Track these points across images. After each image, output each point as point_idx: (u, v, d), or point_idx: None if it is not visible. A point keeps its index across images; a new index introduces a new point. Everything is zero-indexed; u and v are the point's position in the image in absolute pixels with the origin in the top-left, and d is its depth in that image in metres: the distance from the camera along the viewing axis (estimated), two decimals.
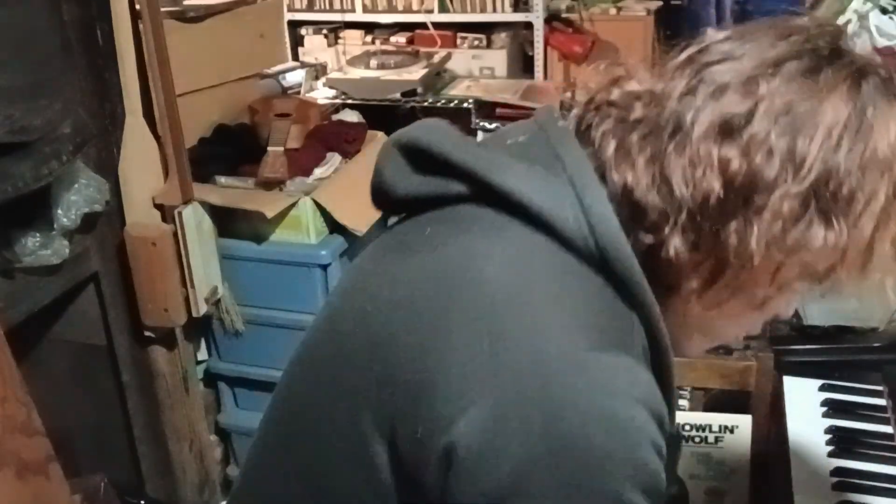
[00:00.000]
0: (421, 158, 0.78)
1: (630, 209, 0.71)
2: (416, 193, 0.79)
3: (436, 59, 3.14)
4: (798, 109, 0.69)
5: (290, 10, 3.42)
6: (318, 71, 3.12)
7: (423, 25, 3.33)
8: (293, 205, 2.14)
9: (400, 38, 3.40)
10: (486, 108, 2.92)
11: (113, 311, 1.94)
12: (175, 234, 1.91)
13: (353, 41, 3.41)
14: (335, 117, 2.69)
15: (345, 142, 2.38)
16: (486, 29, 3.33)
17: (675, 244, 0.70)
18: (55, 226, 1.67)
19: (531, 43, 3.24)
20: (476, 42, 3.33)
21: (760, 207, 0.68)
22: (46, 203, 1.66)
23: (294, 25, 3.46)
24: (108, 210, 1.83)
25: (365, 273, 0.81)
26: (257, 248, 2.19)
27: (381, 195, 0.82)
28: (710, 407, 1.50)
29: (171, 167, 1.92)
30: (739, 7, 3.62)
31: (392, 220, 0.85)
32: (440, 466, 0.63)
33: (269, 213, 2.09)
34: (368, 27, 3.44)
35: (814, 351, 1.40)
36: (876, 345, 1.39)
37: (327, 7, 3.42)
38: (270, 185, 2.17)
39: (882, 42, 2.08)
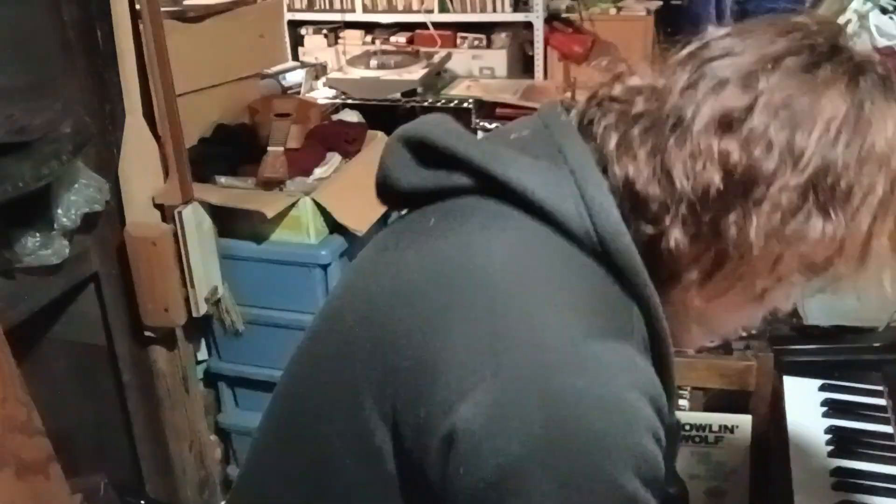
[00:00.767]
0: (426, 153, 0.79)
1: (631, 201, 0.72)
2: (422, 186, 0.80)
3: (436, 59, 3.14)
4: (797, 104, 0.70)
5: (290, 10, 3.42)
6: (318, 71, 3.12)
7: (423, 25, 3.33)
8: (293, 205, 2.14)
9: (400, 38, 3.40)
10: (486, 108, 2.93)
11: (113, 311, 1.94)
12: (175, 234, 1.91)
13: (353, 41, 3.41)
14: (335, 117, 2.69)
15: (345, 142, 2.38)
16: (486, 29, 3.32)
17: (676, 235, 0.72)
18: (55, 226, 1.67)
19: (531, 43, 3.24)
20: (476, 42, 3.33)
21: (759, 199, 0.69)
22: (46, 203, 1.66)
23: (294, 25, 3.46)
24: (108, 210, 1.83)
25: (365, 269, 0.82)
26: (257, 248, 2.19)
27: (387, 189, 0.83)
28: (710, 407, 1.49)
29: (171, 167, 1.92)
30: (739, 6, 3.62)
31: (394, 216, 0.86)
32: (441, 451, 0.64)
33: (269, 213, 2.09)
34: (368, 27, 3.44)
35: (814, 351, 1.41)
36: (876, 345, 1.39)
37: (327, 7, 3.42)
38: (270, 185, 2.17)
39: (882, 42, 2.08)
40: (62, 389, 1.95)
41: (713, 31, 0.76)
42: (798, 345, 1.42)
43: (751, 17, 0.84)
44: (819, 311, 1.42)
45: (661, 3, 3.45)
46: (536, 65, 3.23)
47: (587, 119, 0.78)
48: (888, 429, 1.26)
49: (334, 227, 2.21)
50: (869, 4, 2.12)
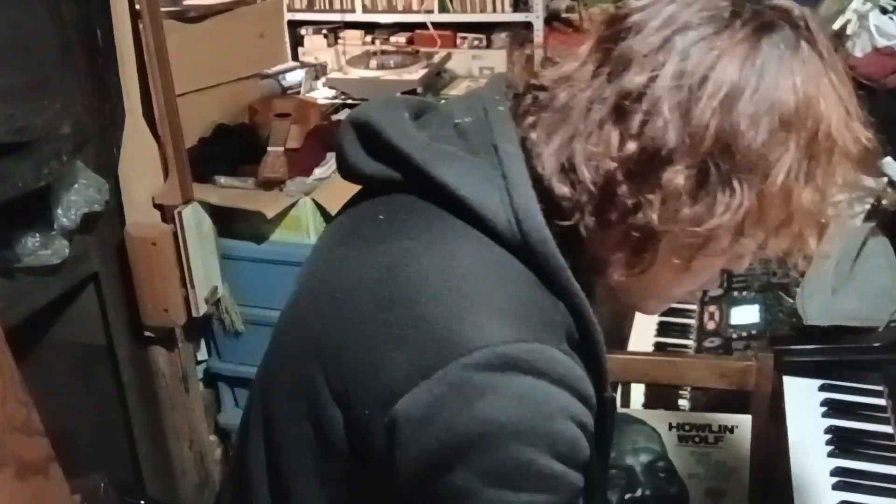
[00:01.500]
0: (372, 140, 0.82)
1: (546, 198, 0.75)
2: (370, 175, 0.83)
3: (436, 59, 3.14)
4: (691, 77, 0.70)
5: (290, 10, 3.41)
6: (317, 71, 3.12)
7: (423, 25, 3.33)
8: (293, 205, 2.14)
9: (400, 38, 3.40)
10: None
11: (113, 311, 1.94)
12: (175, 234, 1.91)
13: (353, 41, 3.41)
14: (335, 117, 2.69)
15: None
16: (486, 29, 3.32)
17: (588, 225, 0.74)
18: (55, 226, 1.67)
19: (531, 43, 3.24)
20: (476, 42, 3.33)
21: (660, 184, 0.70)
22: (46, 203, 1.66)
23: (294, 25, 3.45)
24: (108, 210, 1.83)
25: (321, 259, 0.88)
26: (257, 248, 2.19)
27: (345, 171, 0.87)
28: (710, 407, 1.49)
29: (170, 167, 1.92)
30: None
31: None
32: (384, 437, 0.72)
33: (269, 213, 2.09)
34: (368, 27, 3.44)
35: (814, 351, 1.41)
36: (876, 345, 1.38)
37: (327, 7, 3.42)
38: (270, 185, 2.17)
39: (882, 42, 2.08)
40: (62, 389, 1.95)
41: (633, 4, 0.76)
42: (798, 345, 1.42)
43: None
44: (819, 311, 1.42)
45: None
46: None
47: (522, 109, 0.80)
48: (888, 429, 1.27)
49: None
50: (869, 4, 2.12)
